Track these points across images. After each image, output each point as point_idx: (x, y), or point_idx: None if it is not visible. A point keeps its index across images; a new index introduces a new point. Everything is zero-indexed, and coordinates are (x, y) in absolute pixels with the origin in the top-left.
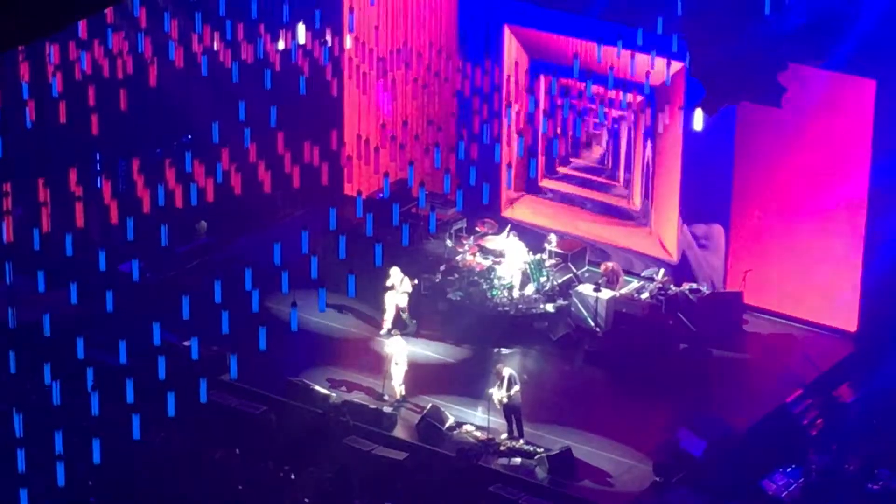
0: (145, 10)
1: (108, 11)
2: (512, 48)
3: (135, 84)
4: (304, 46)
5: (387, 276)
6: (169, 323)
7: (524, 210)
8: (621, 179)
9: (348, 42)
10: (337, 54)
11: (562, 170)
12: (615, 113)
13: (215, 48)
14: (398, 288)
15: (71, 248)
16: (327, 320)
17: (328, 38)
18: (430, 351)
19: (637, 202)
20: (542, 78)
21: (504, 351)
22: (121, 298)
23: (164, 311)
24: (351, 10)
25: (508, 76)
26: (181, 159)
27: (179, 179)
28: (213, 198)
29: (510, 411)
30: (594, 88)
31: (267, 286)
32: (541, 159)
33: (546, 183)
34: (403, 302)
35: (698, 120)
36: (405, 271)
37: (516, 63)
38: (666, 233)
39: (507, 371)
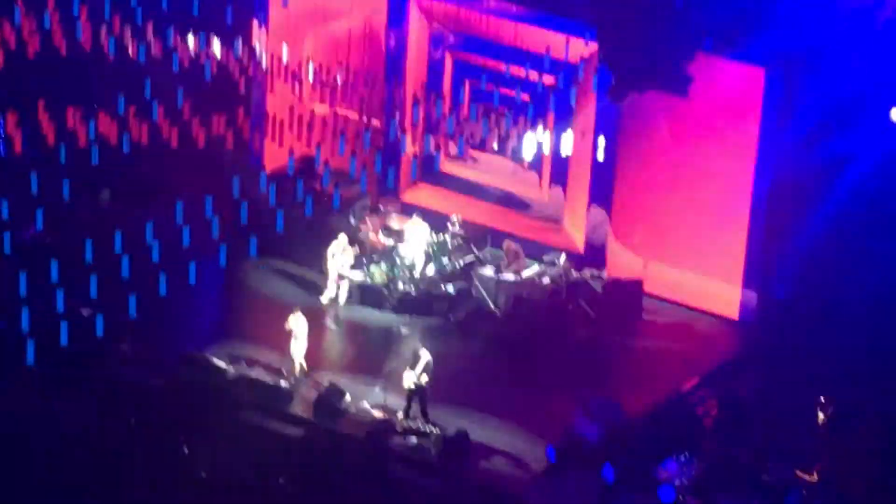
0: None
1: None
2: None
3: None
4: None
5: (330, 243)
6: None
7: (424, 197)
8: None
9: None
10: (246, 64)
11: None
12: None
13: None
14: (339, 257)
15: None
16: (238, 288)
17: (239, 47)
18: (332, 327)
19: (546, 193)
20: (446, 54)
21: (403, 331)
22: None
23: (68, 277)
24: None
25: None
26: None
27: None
28: (118, 166)
29: (416, 393)
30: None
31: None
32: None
33: (449, 167)
34: (345, 270)
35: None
36: (309, 247)
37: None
38: (575, 224)
39: (424, 354)
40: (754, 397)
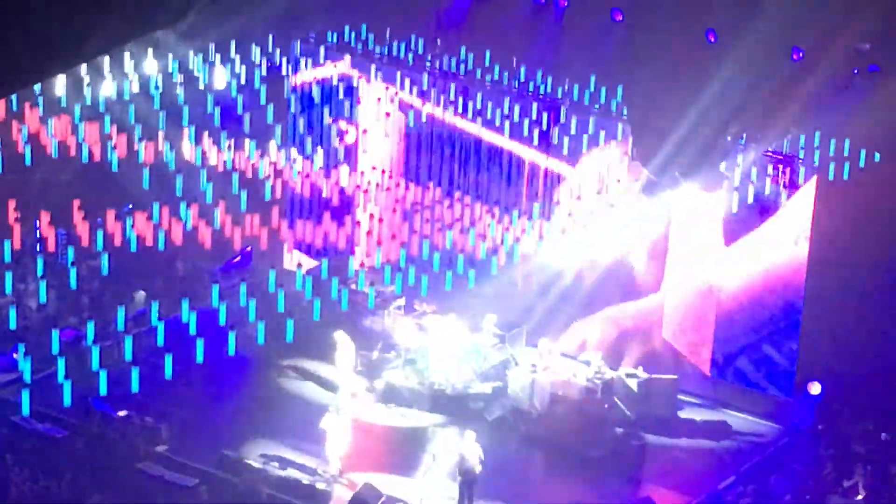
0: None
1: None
2: None
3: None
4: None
5: (334, 341)
6: (110, 390)
7: None
8: None
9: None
10: (280, 167)
11: None
12: None
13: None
14: (344, 351)
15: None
16: (272, 386)
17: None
18: (366, 428)
19: None
20: None
21: (438, 430)
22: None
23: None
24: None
25: None
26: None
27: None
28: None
29: (467, 484)
30: None
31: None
32: None
33: None
34: (349, 364)
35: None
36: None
37: None
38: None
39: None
40: (790, 494)
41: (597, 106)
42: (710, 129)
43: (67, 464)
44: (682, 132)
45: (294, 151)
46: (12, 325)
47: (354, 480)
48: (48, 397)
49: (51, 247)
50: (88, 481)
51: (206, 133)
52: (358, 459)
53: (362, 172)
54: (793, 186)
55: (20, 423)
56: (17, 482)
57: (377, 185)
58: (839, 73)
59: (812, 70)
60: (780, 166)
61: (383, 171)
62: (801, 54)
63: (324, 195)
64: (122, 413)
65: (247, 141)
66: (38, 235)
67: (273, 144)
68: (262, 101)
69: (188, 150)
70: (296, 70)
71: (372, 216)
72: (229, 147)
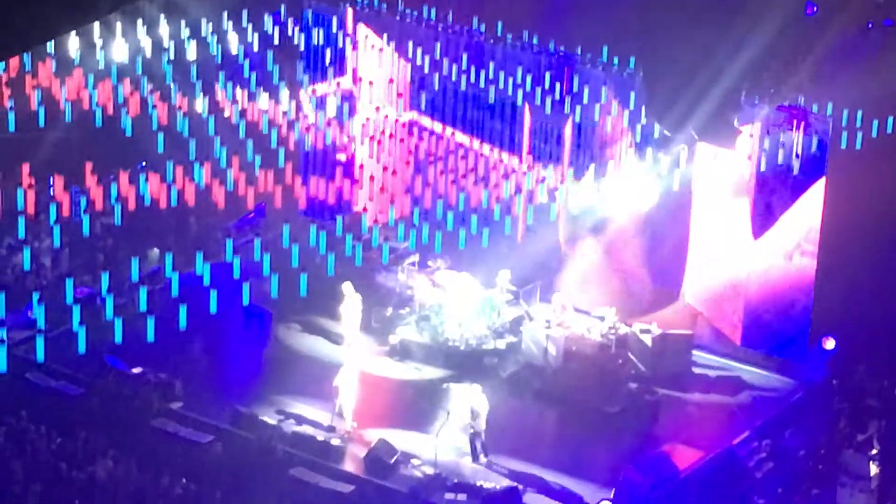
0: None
1: None
2: None
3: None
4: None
5: (341, 293)
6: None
7: None
8: None
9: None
10: (294, 118)
11: None
12: None
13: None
14: (351, 303)
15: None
16: (285, 342)
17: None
18: (380, 383)
19: None
20: None
21: (453, 386)
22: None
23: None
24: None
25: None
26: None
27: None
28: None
29: (477, 437)
30: None
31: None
32: None
33: None
34: (356, 318)
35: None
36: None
37: None
38: None
39: (483, 401)
40: (804, 449)
41: (611, 64)
42: (725, 84)
43: (83, 421)
44: (697, 88)
45: (306, 105)
46: (26, 266)
47: (369, 436)
48: (63, 355)
49: (65, 208)
50: (103, 438)
51: (217, 89)
52: (372, 415)
53: (375, 123)
54: (807, 136)
55: (36, 380)
56: (33, 439)
57: (390, 135)
58: (853, 28)
59: (826, 24)
60: (795, 121)
61: (396, 120)
62: (815, 8)
63: (336, 145)
64: (136, 370)
65: (259, 97)
66: (51, 194)
67: (284, 98)
68: (273, 61)
69: (201, 108)
70: (308, 36)
71: (385, 168)
72: (242, 111)
